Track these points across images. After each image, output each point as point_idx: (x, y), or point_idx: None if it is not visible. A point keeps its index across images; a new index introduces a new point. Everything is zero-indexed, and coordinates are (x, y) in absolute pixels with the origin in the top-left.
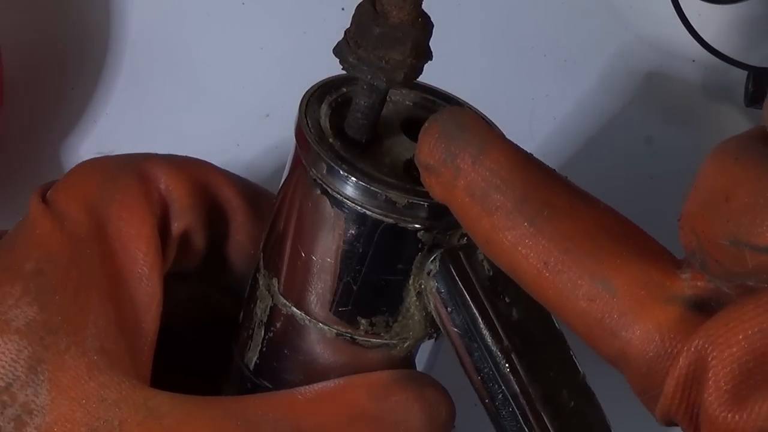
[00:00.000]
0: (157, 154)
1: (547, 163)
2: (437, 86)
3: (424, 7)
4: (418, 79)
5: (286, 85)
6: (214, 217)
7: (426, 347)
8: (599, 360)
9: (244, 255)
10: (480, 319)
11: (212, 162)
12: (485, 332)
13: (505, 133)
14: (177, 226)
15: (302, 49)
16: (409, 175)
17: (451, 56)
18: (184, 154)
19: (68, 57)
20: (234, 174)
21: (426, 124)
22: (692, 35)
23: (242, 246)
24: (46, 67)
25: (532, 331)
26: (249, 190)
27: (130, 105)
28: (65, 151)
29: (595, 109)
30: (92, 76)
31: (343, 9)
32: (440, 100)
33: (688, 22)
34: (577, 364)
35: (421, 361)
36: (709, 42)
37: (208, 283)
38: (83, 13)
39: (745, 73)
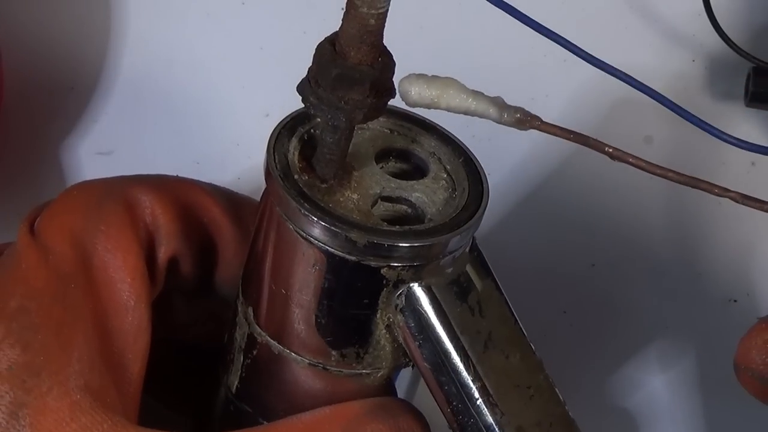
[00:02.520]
0: (142, 178)
1: (547, 164)
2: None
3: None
4: (396, 105)
5: (286, 85)
6: (202, 238)
7: (408, 370)
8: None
9: (235, 272)
10: (448, 353)
11: (211, 162)
12: (455, 366)
13: (504, 133)
14: (164, 252)
15: (302, 49)
16: (377, 209)
17: (451, 55)
18: (184, 153)
19: (68, 57)
20: (219, 188)
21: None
22: (713, 26)
23: (231, 264)
24: (46, 67)
25: (504, 363)
26: (235, 207)
27: (130, 105)
28: (65, 151)
29: (594, 109)
30: (92, 75)
31: (342, 9)
32: (417, 127)
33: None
34: (558, 394)
35: (403, 383)
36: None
37: (219, 298)
38: (83, 13)
39: (745, 72)
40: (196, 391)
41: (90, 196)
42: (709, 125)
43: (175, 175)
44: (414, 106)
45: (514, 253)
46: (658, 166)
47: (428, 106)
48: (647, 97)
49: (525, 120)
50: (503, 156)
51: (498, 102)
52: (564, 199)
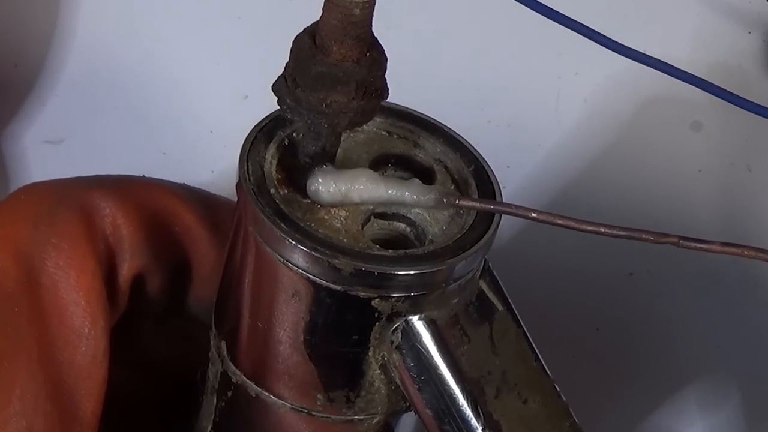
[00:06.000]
0: (101, 180)
1: (576, 154)
2: (444, 78)
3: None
4: (395, 102)
5: (268, 61)
6: (173, 250)
7: (411, 415)
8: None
9: (212, 290)
10: (453, 398)
11: (181, 152)
12: (461, 413)
13: (526, 118)
14: (127, 269)
15: (287, 20)
16: (369, 228)
17: (470, 27)
18: (148, 142)
19: (10, 28)
20: (192, 190)
21: None
22: None
23: (208, 280)
24: None
25: (521, 409)
26: (211, 213)
27: (85, 84)
28: (7, 140)
29: (631, 89)
30: (39, 50)
31: None
32: (420, 128)
33: None
34: None
35: (406, 429)
36: None
37: (194, 320)
38: None
39: None
40: (173, 427)
41: (39, 202)
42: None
43: (138, 169)
44: (328, 205)
45: (540, 259)
46: (588, 222)
47: (341, 203)
48: (694, 75)
49: (441, 199)
50: (526, 145)
51: (413, 186)
52: (598, 195)
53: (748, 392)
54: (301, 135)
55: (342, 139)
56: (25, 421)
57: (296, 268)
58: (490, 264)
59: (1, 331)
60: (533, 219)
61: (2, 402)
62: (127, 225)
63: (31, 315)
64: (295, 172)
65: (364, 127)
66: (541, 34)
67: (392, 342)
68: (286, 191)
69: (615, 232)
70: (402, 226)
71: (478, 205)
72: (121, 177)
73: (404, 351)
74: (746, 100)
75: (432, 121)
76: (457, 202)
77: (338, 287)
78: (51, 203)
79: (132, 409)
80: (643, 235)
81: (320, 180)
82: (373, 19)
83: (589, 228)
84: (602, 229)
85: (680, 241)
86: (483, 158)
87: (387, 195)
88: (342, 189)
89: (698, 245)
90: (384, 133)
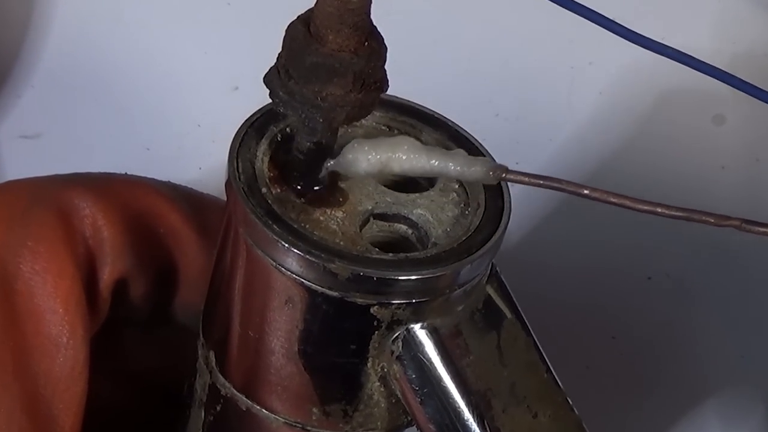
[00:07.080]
0: (80, 178)
1: (590, 150)
2: (447, 74)
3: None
4: (395, 94)
5: (260, 50)
6: (159, 253)
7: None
8: None
9: (200, 295)
10: (458, 412)
11: (166, 148)
12: (467, 428)
13: (537, 111)
14: (109, 273)
15: (279, 6)
16: (368, 230)
17: (476, 13)
18: (130, 137)
19: None
20: (179, 188)
21: None
22: None
23: (196, 284)
24: None
25: (531, 424)
26: (198, 213)
27: (63, 75)
28: None
29: (649, 81)
30: (13, 38)
31: None
32: (422, 122)
33: None
34: None
35: None
36: None
37: (181, 328)
38: None
39: None
40: None
41: (14, 202)
42: None
43: (120, 166)
44: (365, 176)
45: (551, 263)
46: (644, 201)
47: (380, 173)
48: (715, 64)
49: (488, 172)
50: (536, 140)
51: (458, 156)
52: (614, 192)
53: None
54: (295, 130)
55: (339, 134)
56: None
57: (290, 272)
58: (497, 268)
59: None
60: (585, 196)
61: None
62: (108, 226)
63: (4, 323)
64: (289, 170)
65: (363, 121)
66: (552, 21)
67: (392, 352)
68: (278, 190)
69: (673, 212)
70: (403, 227)
71: (526, 179)
72: (101, 175)
73: (405, 362)
74: None
75: (435, 114)
76: (504, 175)
77: (335, 293)
78: (26, 203)
79: (115, 422)
80: (704, 217)
81: (357, 148)
82: (372, 5)
83: (645, 207)
84: (659, 209)
85: (743, 225)
86: (490, 154)
87: (429, 166)
88: (382, 158)
89: (763, 230)
90: (384, 127)
